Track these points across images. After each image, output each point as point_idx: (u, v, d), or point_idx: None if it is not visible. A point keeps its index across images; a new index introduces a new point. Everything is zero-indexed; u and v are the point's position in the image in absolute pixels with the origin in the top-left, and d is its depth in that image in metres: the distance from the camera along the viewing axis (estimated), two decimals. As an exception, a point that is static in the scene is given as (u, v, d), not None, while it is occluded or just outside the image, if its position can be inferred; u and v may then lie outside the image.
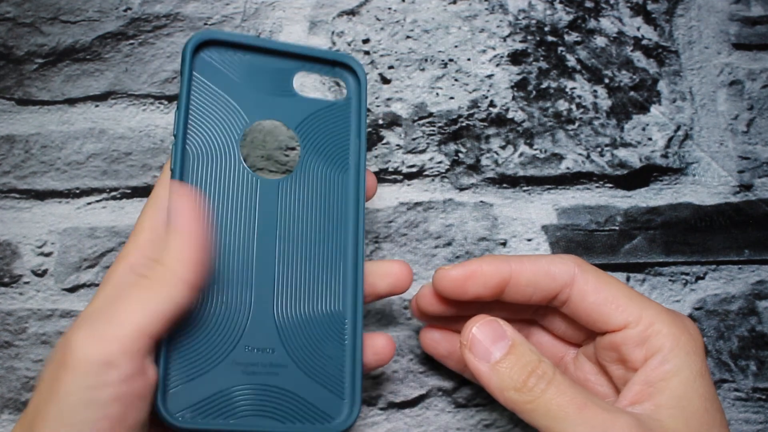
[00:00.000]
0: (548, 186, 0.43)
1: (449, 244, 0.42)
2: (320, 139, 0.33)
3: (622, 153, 0.43)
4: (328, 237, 0.32)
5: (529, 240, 0.42)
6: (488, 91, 0.43)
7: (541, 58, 0.43)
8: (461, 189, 0.42)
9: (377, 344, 0.33)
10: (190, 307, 0.28)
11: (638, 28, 0.44)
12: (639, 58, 0.44)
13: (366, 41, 0.43)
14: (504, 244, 0.42)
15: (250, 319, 0.31)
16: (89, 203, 0.41)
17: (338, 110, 0.34)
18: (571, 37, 0.44)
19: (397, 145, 0.42)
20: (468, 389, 0.40)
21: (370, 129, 0.42)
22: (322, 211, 0.33)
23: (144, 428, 0.27)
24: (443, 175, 0.42)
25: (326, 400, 0.31)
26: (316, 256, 0.32)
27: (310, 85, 0.42)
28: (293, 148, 0.41)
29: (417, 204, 0.42)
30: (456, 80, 0.43)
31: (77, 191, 0.41)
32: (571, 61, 0.43)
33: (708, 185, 0.43)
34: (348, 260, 0.33)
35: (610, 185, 0.43)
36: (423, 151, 0.42)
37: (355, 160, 0.33)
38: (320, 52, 0.34)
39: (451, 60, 0.43)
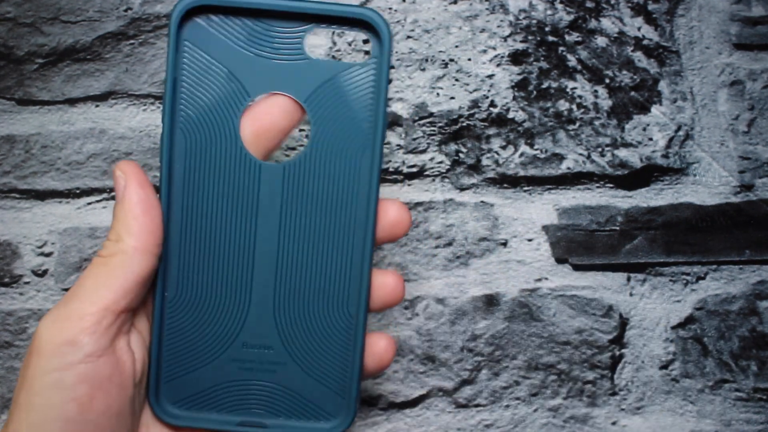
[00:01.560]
0: (549, 186, 0.43)
1: (450, 244, 0.42)
2: (333, 113, 0.29)
3: (622, 153, 0.43)
4: (335, 230, 0.29)
5: (530, 240, 0.42)
6: (489, 91, 0.43)
7: (542, 58, 0.43)
8: (462, 189, 0.42)
9: (378, 346, 0.30)
10: (150, 274, 0.27)
11: (639, 28, 0.44)
12: (640, 58, 0.44)
13: (366, 41, 0.43)
14: (504, 244, 0.42)
15: (248, 315, 0.29)
16: (89, 203, 0.41)
17: (356, 75, 0.29)
18: (572, 37, 0.44)
19: (398, 145, 0.42)
20: (468, 389, 0.40)
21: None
22: (331, 200, 0.29)
23: (122, 418, 0.26)
24: (444, 175, 0.42)
25: (326, 398, 0.30)
26: (321, 249, 0.29)
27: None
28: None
29: (417, 204, 0.42)
30: (456, 80, 0.43)
31: (77, 191, 0.41)
32: (572, 61, 0.43)
33: (709, 185, 0.43)
34: (356, 255, 0.29)
35: (611, 185, 0.43)
36: (423, 151, 0.42)
37: (372, 138, 0.29)
38: (335, 9, 0.28)
39: (451, 60, 0.43)
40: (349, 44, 0.42)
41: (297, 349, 0.30)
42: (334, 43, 0.43)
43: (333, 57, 0.42)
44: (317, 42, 0.43)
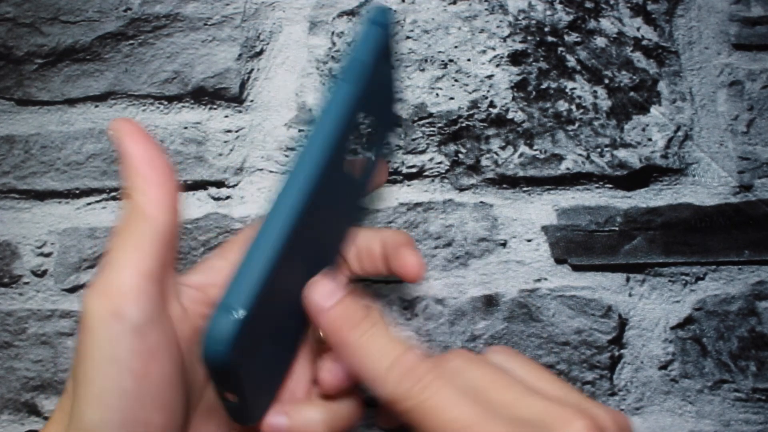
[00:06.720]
0: (548, 186, 0.43)
1: (449, 244, 0.42)
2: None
3: (622, 153, 0.43)
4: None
5: (529, 240, 0.42)
6: (488, 91, 0.43)
7: (541, 59, 0.43)
8: (461, 189, 0.42)
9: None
10: (172, 229, 0.26)
11: (638, 29, 0.44)
12: (639, 59, 0.44)
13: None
14: (504, 244, 0.42)
15: None
16: (89, 203, 0.41)
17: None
18: (571, 37, 0.44)
19: (397, 146, 0.42)
20: (468, 390, 0.40)
21: (369, 129, 0.42)
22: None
23: (177, 387, 0.26)
24: (443, 175, 0.42)
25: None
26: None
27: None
28: None
29: (417, 204, 0.42)
30: (456, 81, 0.43)
31: (77, 191, 0.41)
32: (571, 61, 0.43)
33: (708, 186, 0.43)
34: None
35: (610, 186, 0.43)
36: (423, 152, 0.42)
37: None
38: None
39: (451, 60, 0.43)
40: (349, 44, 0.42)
41: None
42: (334, 44, 0.43)
43: (332, 57, 0.42)
44: (317, 42, 0.43)
